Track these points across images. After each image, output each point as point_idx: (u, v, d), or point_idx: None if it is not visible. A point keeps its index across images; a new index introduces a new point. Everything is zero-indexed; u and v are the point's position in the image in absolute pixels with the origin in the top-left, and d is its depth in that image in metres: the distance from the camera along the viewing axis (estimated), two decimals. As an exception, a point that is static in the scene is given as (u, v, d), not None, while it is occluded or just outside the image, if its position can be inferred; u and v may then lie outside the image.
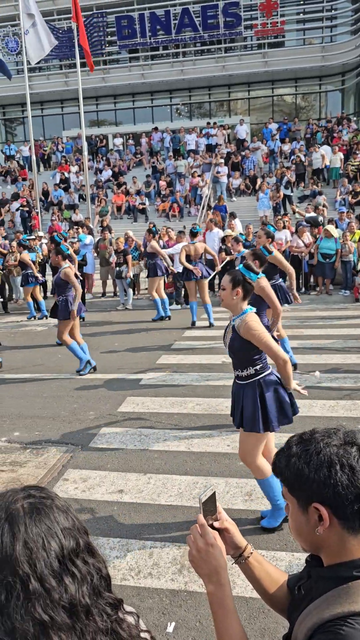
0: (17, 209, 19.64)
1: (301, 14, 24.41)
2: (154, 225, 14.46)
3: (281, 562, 3.30)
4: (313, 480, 1.12)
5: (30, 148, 20.03)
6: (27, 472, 4.69)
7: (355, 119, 23.48)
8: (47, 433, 5.55)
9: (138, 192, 20.04)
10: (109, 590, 0.87)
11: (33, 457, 5.01)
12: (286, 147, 20.89)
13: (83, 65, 17.64)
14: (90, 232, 14.61)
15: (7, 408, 6.37)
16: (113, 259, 12.94)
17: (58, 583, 0.79)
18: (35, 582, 0.77)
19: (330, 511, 1.11)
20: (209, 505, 1.21)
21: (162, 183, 20.12)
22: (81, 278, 11.11)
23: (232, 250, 6.84)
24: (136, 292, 13.49)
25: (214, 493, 1.21)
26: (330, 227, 12.29)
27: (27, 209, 19.54)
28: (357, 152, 18.75)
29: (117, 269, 12.44)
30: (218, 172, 19.23)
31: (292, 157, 19.47)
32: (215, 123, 23.58)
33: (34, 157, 19.31)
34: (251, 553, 1.34)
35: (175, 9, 24.17)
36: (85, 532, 0.87)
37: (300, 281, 12.75)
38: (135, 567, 3.37)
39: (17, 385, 7.20)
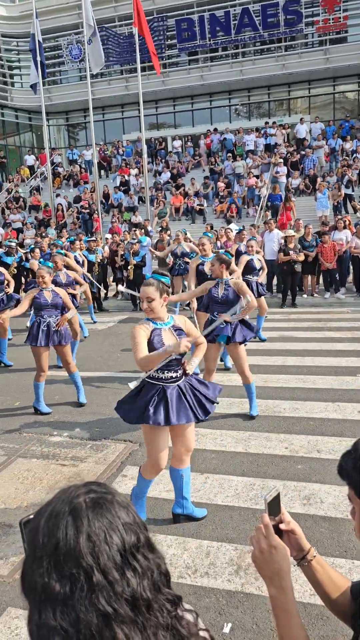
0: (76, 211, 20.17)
1: (365, 8, 23.70)
2: (212, 227, 14.48)
3: (340, 569, 3.22)
4: None
5: (93, 152, 20.52)
6: (87, 468, 4.81)
7: None
8: (106, 430, 5.67)
9: (196, 194, 20.11)
10: (168, 586, 0.88)
11: (93, 452, 5.14)
12: (348, 145, 20.35)
13: (143, 69, 17.91)
14: (147, 234, 14.80)
15: (68, 404, 6.56)
16: (169, 259, 13.05)
17: (120, 576, 0.80)
18: (98, 574, 0.78)
19: None
20: (274, 506, 1.20)
21: (220, 184, 20.10)
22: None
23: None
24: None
25: (279, 494, 1.21)
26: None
27: (88, 211, 20.03)
28: None
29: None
30: (277, 172, 18.99)
31: (354, 156, 18.95)
32: (274, 122, 23.31)
33: (95, 161, 19.76)
34: (314, 556, 1.32)
35: (235, 10, 24.08)
36: (145, 528, 0.88)
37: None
38: (192, 566, 3.39)
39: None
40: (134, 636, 0.78)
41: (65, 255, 9.59)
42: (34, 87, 20.50)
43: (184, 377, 3.71)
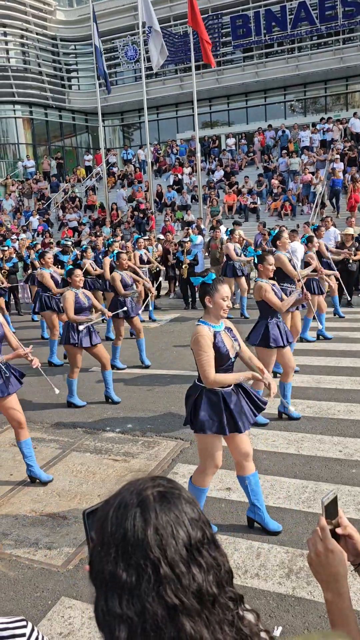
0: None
1: None
2: (264, 225, 14.30)
3: None
4: None
5: (146, 152, 20.73)
6: (139, 463, 4.87)
7: None
8: (157, 427, 5.72)
9: (250, 192, 19.92)
10: (231, 585, 0.87)
11: (145, 449, 5.19)
12: None
13: (198, 68, 17.92)
14: (201, 232, 14.79)
15: (122, 401, 6.66)
16: (219, 255, 12.97)
17: (187, 570, 0.80)
18: (166, 567, 0.79)
19: None
20: (331, 509, 1.17)
21: (274, 182, 19.83)
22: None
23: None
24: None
25: (336, 497, 1.18)
26: None
27: (147, 210, 20.21)
28: None
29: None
30: (333, 169, 18.52)
31: None
32: (329, 118, 22.75)
33: (149, 160, 19.94)
34: None
35: (291, 4, 23.67)
36: (209, 525, 0.88)
37: None
38: (242, 566, 3.37)
39: (131, 380, 7.50)
40: (201, 628, 0.78)
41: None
42: (107, 86, 20.89)
43: None
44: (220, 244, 13.31)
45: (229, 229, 11.76)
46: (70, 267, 6.72)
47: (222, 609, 0.82)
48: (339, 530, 1.21)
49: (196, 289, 13.64)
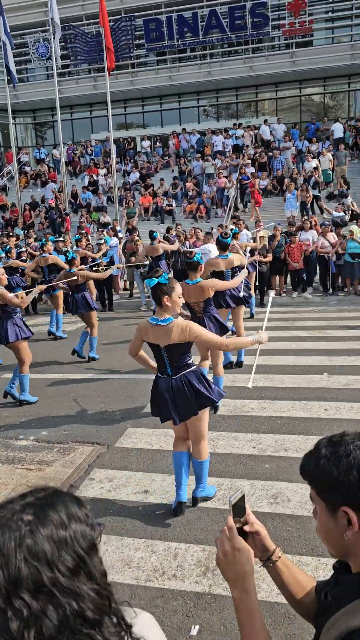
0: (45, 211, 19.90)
1: (330, 13, 24.07)
2: (176, 226, 14.48)
3: (307, 567, 3.25)
4: (342, 483, 1.10)
5: (60, 151, 20.28)
6: (54, 471, 4.73)
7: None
8: (73, 432, 5.60)
9: (165, 194, 20.09)
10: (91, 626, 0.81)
11: (60, 456, 5.06)
12: (314, 147, 20.64)
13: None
14: (116, 234, 14.69)
15: (35, 407, 6.45)
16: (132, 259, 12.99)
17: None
18: None
19: None
20: (238, 508, 1.19)
21: (189, 184, 20.14)
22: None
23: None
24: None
25: (244, 495, 1.20)
26: (355, 228, 12.09)
27: (63, 210, 19.76)
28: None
29: (141, 270, 12.47)
30: (244, 173, 19.13)
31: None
32: (240, 124, 23.48)
33: (63, 160, 19.52)
34: (279, 557, 1.31)
35: (202, 11, 24.14)
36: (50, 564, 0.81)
37: (328, 282, 12.59)
38: (159, 569, 3.36)
39: (45, 385, 7.28)
40: None
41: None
42: (12, 80, 20.08)
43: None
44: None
45: (156, 233, 11.72)
46: None
47: None
48: (246, 528, 1.22)
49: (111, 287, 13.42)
